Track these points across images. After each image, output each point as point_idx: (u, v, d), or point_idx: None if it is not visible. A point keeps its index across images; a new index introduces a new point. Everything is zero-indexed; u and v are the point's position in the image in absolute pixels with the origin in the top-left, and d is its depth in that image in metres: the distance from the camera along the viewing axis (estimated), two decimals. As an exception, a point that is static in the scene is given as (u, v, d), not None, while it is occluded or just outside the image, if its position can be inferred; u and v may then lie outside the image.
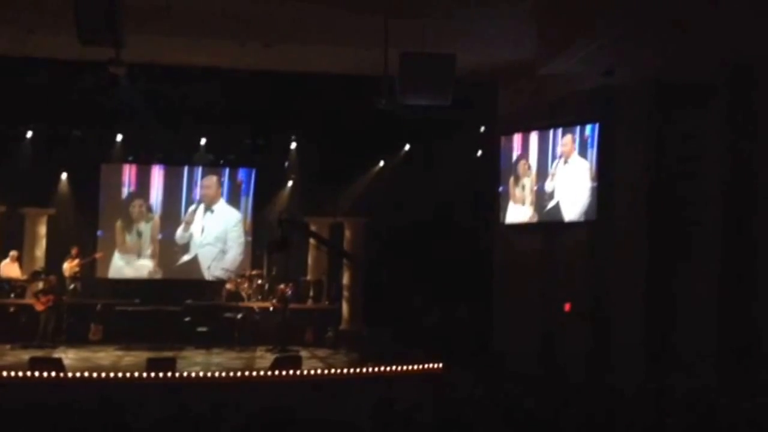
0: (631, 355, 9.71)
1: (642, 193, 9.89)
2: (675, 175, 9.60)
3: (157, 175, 14.21)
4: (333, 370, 10.30)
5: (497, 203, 11.91)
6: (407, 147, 13.83)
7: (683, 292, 9.29)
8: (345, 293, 13.72)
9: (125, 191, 14.02)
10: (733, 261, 8.81)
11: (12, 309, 12.34)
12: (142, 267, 13.99)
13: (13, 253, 12.92)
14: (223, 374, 9.83)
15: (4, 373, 9.33)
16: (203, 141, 13.88)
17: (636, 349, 9.68)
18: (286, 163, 14.28)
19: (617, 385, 9.24)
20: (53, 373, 9.23)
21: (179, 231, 14.20)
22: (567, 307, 10.77)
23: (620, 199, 10.22)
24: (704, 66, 9.05)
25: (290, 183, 14.43)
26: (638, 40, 9.20)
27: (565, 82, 10.56)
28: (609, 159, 10.41)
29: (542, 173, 11.34)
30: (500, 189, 11.87)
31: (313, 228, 13.69)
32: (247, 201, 14.41)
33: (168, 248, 14.13)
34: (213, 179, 14.26)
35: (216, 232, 14.27)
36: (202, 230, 14.25)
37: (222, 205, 14.34)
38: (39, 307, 11.91)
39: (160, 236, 14.11)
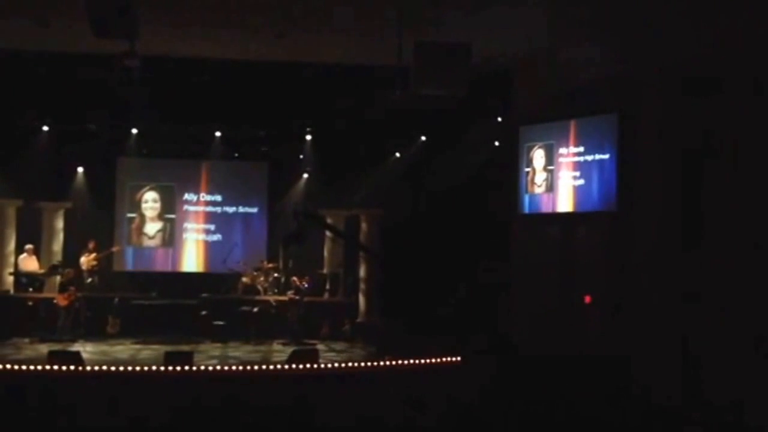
0: (653, 349, 9.57)
1: (664, 183, 9.73)
2: (698, 165, 9.42)
3: (172, 168, 14.22)
4: (350, 364, 10.27)
5: (515, 194, 11.80)
6: (423, 138, 13.72)
7: (709, 284, 9.11)
8: (362, 286, 13.68)
9: (140, 184, 14.07)
10: (761, 254, 8.62)
11: (30, 303, 12.42)
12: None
13: (29, 246, 12.99)
14: (240, 368, 9.84)
15: (24, 367, 9.40)
16: (218, 134, 13.87)
17: (658, 344, 9.54)
18: (301, 155, 14.23)
19: (639, 381, 9.12)
20: (72, 367, 9.29)
21: (193, 224, 14.23)
22: (587, 299, 10.65)
23: (641, 190, 10.07)
24: (726, 53, 8.88)
25: (305, 175, 14.39)
26: (657, 27, 9.06)
27: (583, 71, 10.41)
28: (629, 149, 10.25)
29: (561, 163, 11.20)
30: (518, 179, 11.75)
31: (328, 220, 13.65)
32: (263, 194, 14.39)
33: (182, 242, 14.16)
34: (225, 171, 14.26)
35: (230, 225, 14.29)
36: (217, 223, 14.27)
37: (236, 198, 14.33)
38: (62, 302, 11.96)
39: (173, 229, 14.15)
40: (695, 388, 8.75)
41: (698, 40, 8.95)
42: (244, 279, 13.35)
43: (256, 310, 12.66)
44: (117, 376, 9.26)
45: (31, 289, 12.74)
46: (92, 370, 9.35)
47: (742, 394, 7.79)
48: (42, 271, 12.94)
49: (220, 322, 12.32)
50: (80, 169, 13.76)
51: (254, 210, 14.40)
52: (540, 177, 11.53)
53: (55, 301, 12.00)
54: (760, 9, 7.91)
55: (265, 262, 13.64)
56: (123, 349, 11.42)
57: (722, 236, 9.02)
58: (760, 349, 8.24)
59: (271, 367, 9.93)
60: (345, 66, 11.36)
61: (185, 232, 14.27)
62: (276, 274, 13.37)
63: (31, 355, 10.53)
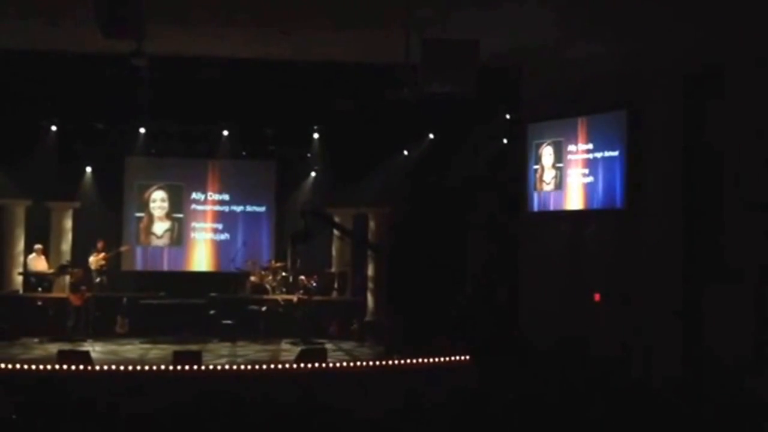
0: (662, 347, 9.51)
1: (672, 180, 9.67)
2: (709, 163, 9.35)
3: (180, 167, 14.23)
4: (358, 363, 10.25)
5: (523, 192, 11.74)
6: (431, 136, 13.67)
7: (718, 283, 9.04)
8: (370, 285, 13.64)
9: (148, 184, 14.08)
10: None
11: (40, 303, 12.44)
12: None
13: (38, 246, 13.01)
14: (249, 367, 9.84)
15: (33, 366, 9.43)
16: (225, 132, 13.86)
17: (667, 342, 9.48)
18: (309, 154, 14.21)
19: (646, 379, 9.07)
20: (81, 366, 9.31)
21: (201, 223, 14.24)
22: (596, 297, 10.59)
23: (650, 188, 9.99)
24: (732, 51, 8.80)
25: (313, 174, 14.37)
26: (665, 24, 8.99)
27: (592, 68, 10.34)
28: (638, 146, 10.18)
29: (570, 161, 11.14)
30: (527, 177, 11.69)
31: (336, 219, 13.62)
32: (270, 193, 14.38)
33: (190, 241, 14.18)
34: (233, 170, 14.27)
35: (238, 224, 14.30)
36: (224, 222, 14.28)
37: (243, 197, 14.33)
38: (76, 302, 11.98)
39: (181, 228, 14.17)
40: (700, 384, 8.70)
41: (705, 38, 8.87)
42: (252, 278, 13.35)
43: (264, 309, 12.64)
44: (126, 376, 9.29)
45: (40, 289, 12.76)
46: (101, 370, 9.38)
47: (748, 391, 7.73)
48: (51, 271, 12.96)
49: (229, 322, 12.31)
50: (88, 169, 13.78)
51: (262, 209, 14.39)
52: (549, 174, 11.46)
53: (70, 301, 12.01)
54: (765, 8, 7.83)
55: (273, 261, 13.63)
56: (132, 349, 11.43)
57: (727, 234, 8.96)
58: (761, 349, 8.20)
59: (280, 366, 9.93)
60: (352, 64, 11.32)
61: (193, 232, 14.28)
62: (284, 273, 13.35)
63: (41, 355, 10.55)
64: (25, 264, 13.07)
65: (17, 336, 11.78)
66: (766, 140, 8.63)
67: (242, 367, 9.87)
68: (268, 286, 13.21)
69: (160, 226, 14.15)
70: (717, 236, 9.13)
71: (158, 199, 14.12)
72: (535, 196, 11.65)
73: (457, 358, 10.32)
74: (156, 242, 14.14)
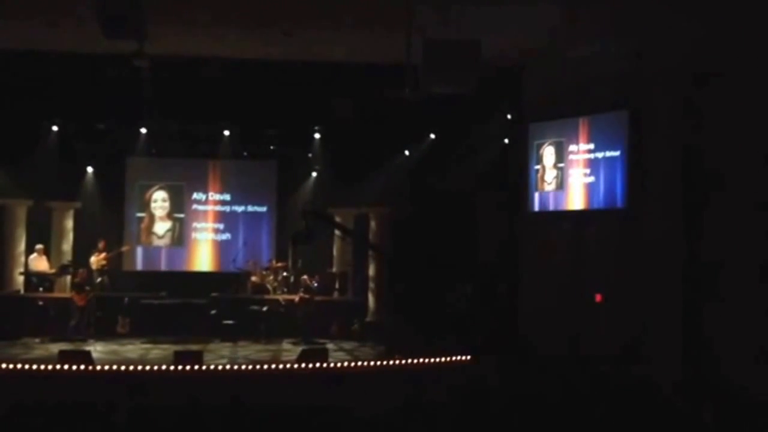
0: (664, 346, 9.51)
1: (674, 180, 9.66)
2: (709, 162, 9.34)
3: (181, 167, 14.24)
4: (359, 363, 10.25)
5: (524, 192, 11.74)
6: (432, 136, 13.67)
7: (718, 283, 9.04)
8: (371, 285, 13.65)
9: (150, 184, 14.09)
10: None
11: (41, 303, 12.45)
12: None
13: (39, 246, 13.03)
14: (250, 367, 9.84)
15: (34, 366, 9.44)
16: (227, 132, 13.87)
17: (668, 340, 9.48)
18: (310, 154, 14.22)
19: (646, 379, 9.06)
20: (82, 367, 9.32)
21: (202, 223, 14.26)
22: (598, 297, 10.59)
23: (651, 188, 9.99)
24: (735, 50, 8.79)
25: (314, 174, 14.38)
26: (668, 20, 8.99)
27: (593, 68, 10.34)
28: (639, 146, 10.18)
29: (571, 161, 11.14)
30: (528, 177, 11.69)
31: (337, 219, 13.63)
32: (271, 193, 14.39)
33: (191, 241, 14.18)
34: (234, 170, 14.27)
35: (239, 224, 14.31)
36: (226, 222, 14.29)
37: (245, 197, 14.34)
38: (80, 302, 12.00)
39: (182, 228, 14.18)
40: (700, 384, 8.70)
41: (705, 38, 8.87)
42: (254, 278, 13.36)
43: (265, 309, 12.65)
44: (127, 376, 9.29)
45: (41, 289, 12.78)
46: (102, 370, 9.39)
47: (752, 390, 7.73)
48: (52, 271, 12.98)
49: (230, 322, 12.32)
50: (90, 169, 13.79)
51: (263, 209, 14.40)
52: (550, 174, 11.46)
53: (73, 301, 12.01)
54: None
55: (274, 261, 13.64)
56: (133, 349, 11.44)
57: (727, 234, 8.95)
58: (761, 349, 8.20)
59: (281, 366, 9.94)
60: (354, 64, 11.33)
61: (194, 232, 14.30)
62: (285, 273, 13.36)
63: (42, 355, 10.56)
64: (26, 264, 13.09)
65: (18, 336, 11.80)
66: (766, 140, 8.62)
67: (243, 367, 9.87)
68: (269, 286, 13.22)
69: (161, 226, 14.17)
70: (717, 236, 9.12)
71: (159, 199, 14.14)
72: (536, 196, 11.65)
73: (458, 357, 10.32)
74: (157, 242, 14.16)
